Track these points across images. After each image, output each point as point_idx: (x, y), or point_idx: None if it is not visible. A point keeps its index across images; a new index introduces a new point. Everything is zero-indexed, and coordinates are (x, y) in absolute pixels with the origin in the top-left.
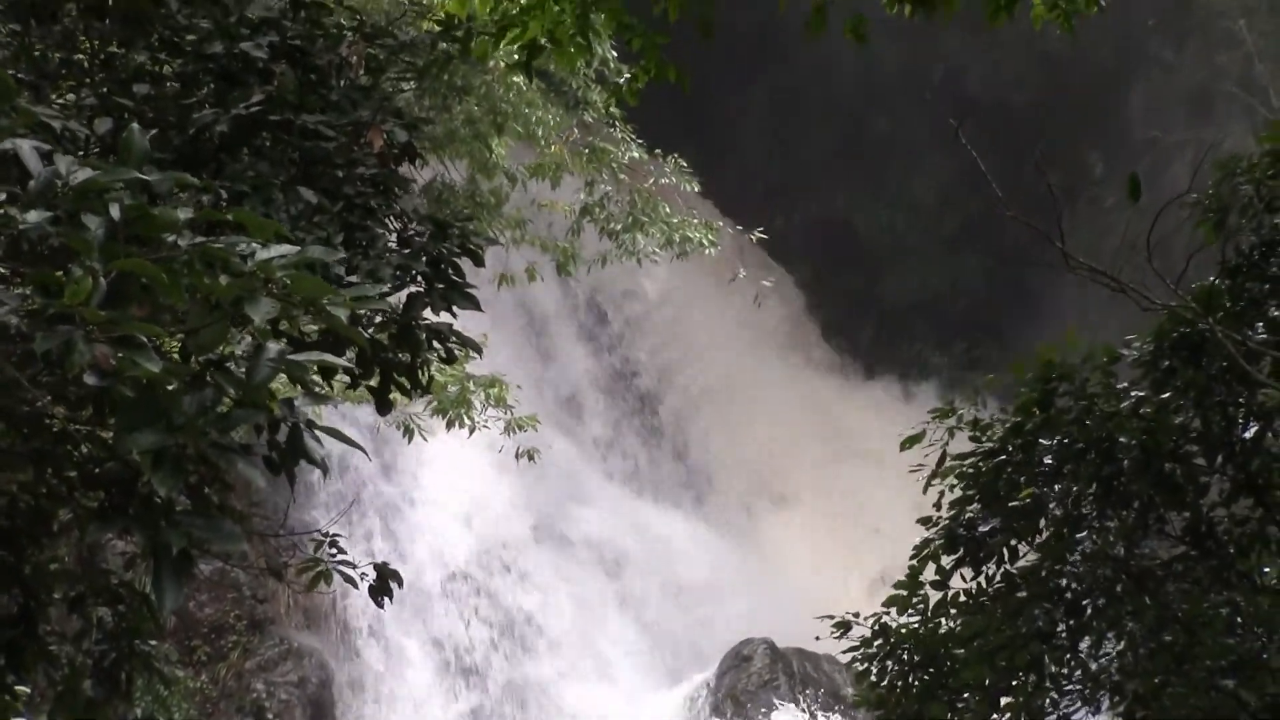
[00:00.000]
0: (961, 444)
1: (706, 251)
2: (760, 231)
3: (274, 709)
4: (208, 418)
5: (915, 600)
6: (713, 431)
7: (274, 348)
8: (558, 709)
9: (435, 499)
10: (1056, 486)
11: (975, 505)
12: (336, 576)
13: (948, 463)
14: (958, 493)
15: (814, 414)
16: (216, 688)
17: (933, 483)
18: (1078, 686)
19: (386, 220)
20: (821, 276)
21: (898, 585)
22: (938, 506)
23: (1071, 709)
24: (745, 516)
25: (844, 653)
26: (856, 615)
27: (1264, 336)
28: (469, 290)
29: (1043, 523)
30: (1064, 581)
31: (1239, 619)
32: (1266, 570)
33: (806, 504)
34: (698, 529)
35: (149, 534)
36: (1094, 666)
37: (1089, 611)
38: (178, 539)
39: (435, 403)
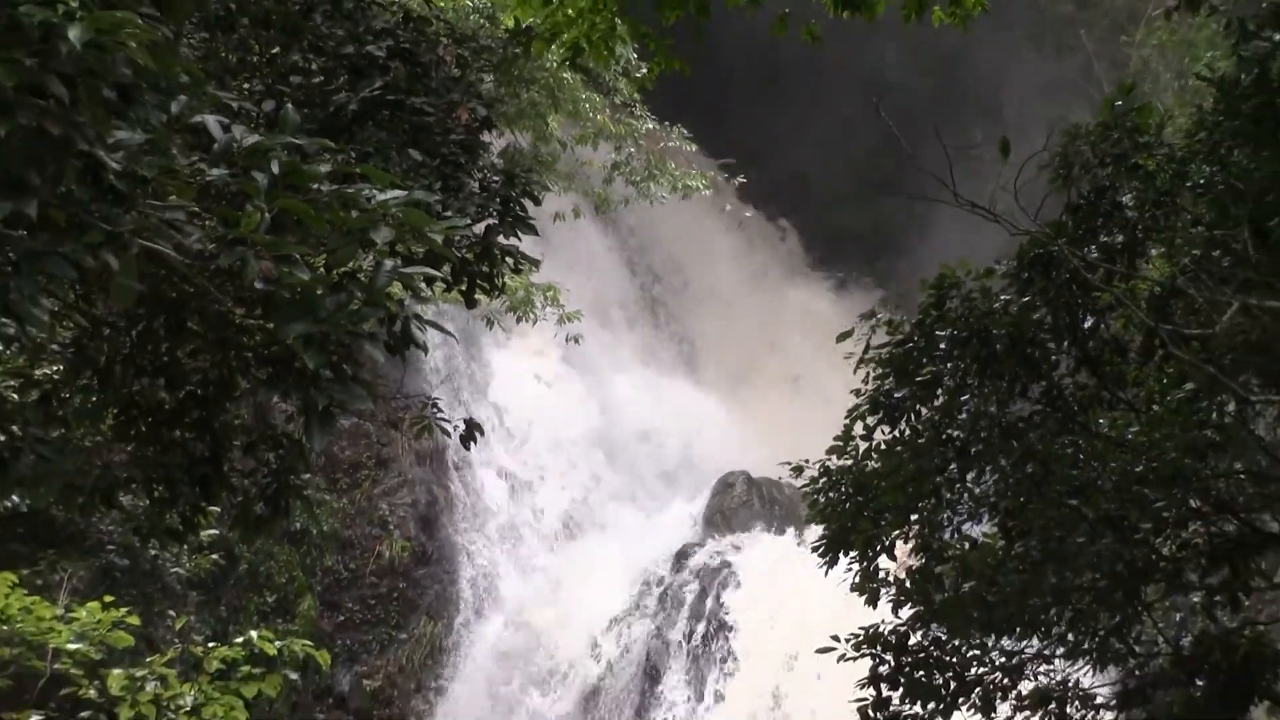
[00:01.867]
0: (880, 337)
1: (703, 193)
2: (741, 179)
3: (394, 522)
4: (344, 313)
5: (848, 449)
6: (705, 322)
7: (390, 263)
8: (595, 521)
9: (506, 370)
10: (949, 365)
11: (890, 380)
12: (437, 428)
13: (870, 352)
14: (878, 371)
15: (778, 307)
16: (353, 507)
17: (861, 365)
18: (965, 506)
19: (471, 173)
20: (785, 212)
21: (836, 438)
22: (865, 381)
23: (961, 521)
24: (728, 383)
25: (800, 486)
26: (807, 461)
27: (1097, 255)
28: (530, 222)
29: (939, 391)
30: (954, 432)
31: (1080, 456)
32: (1101, 421)
33: (772, 371)
34: (695, 391)
35: (303, 396)
36: (976, 492)
37: (972, 453)
38: (323, 399)
39: (508, 302)
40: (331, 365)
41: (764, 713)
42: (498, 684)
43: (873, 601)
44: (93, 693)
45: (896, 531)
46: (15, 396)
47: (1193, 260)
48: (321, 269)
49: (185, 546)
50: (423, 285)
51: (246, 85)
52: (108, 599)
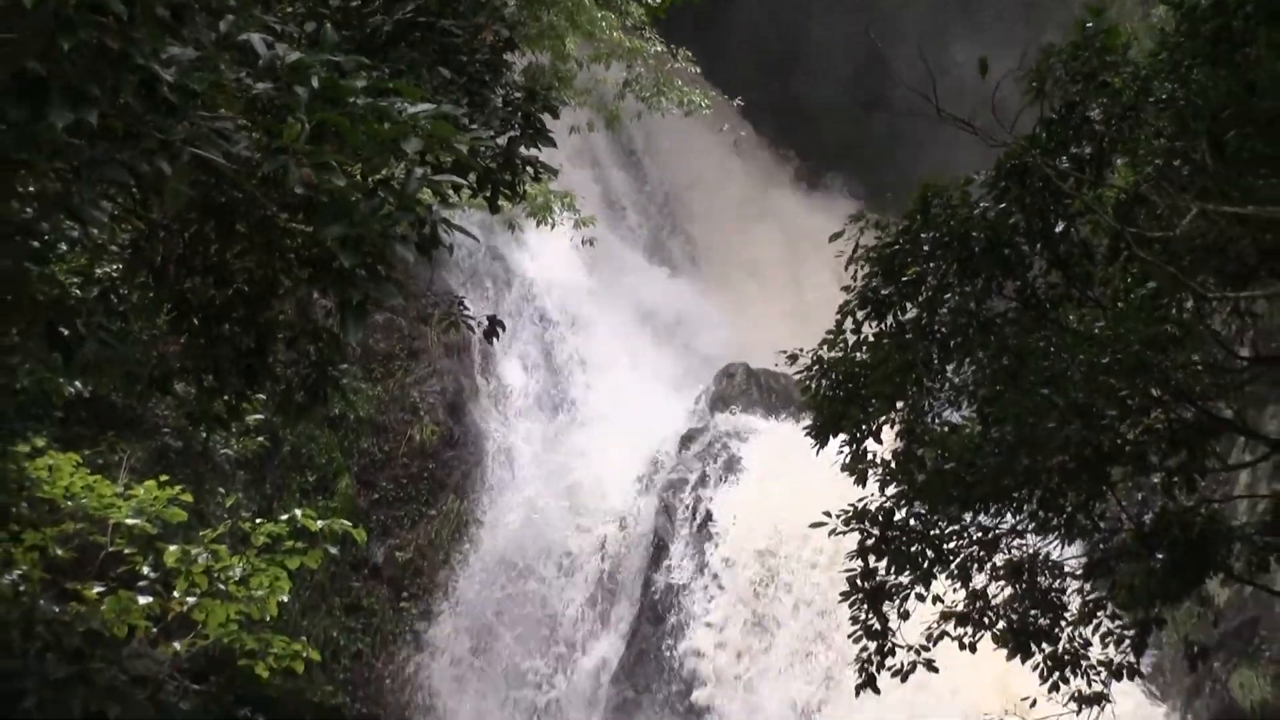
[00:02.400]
0: (868, 239)
1: (704, 112)
2: (739, 100)
3: (424, 409)
4: (377, 217)
5: (839, 341)
6: (708, 230)
7: (420, 171)
8: (608, 407)
9: (526, 271)
10: (931, 265)
11: (878, 278)
12: (463, 324)
13: (859, 252)
14: (867, 270)
15: (774, 217)
16: (387, 395)
17: (851, 264)
18: (946, 394)
19: (495, 89)
20: (779, 131)
21: (828, 332)
22: (854, 279)
23: (941, 408)
24: (730, 284)
25: (794, 373)
26: (801, 350)
27: (1068, 165)
28: (549, 135)
29: (922, 289)
30: (936, 327)
31: (1051, 349)
32: (1070, 317)
33: (770, 273)
34: (699, 291)
35: (340, 292)
36: (956, 381)
37: (952, 346)
38: (358, 295)
39: (528, 208)
40: (365, 264)
41: (761, 583)
42: (517, 557)
43: (861, 480)
44: (148, 566)
45: (883, 417)
46: (78, 292)
47: (1155, 169)
48: (357, 176)
49: (234, 430)
50: (450, 191)
51: (289, 8)
52: (163, 478)
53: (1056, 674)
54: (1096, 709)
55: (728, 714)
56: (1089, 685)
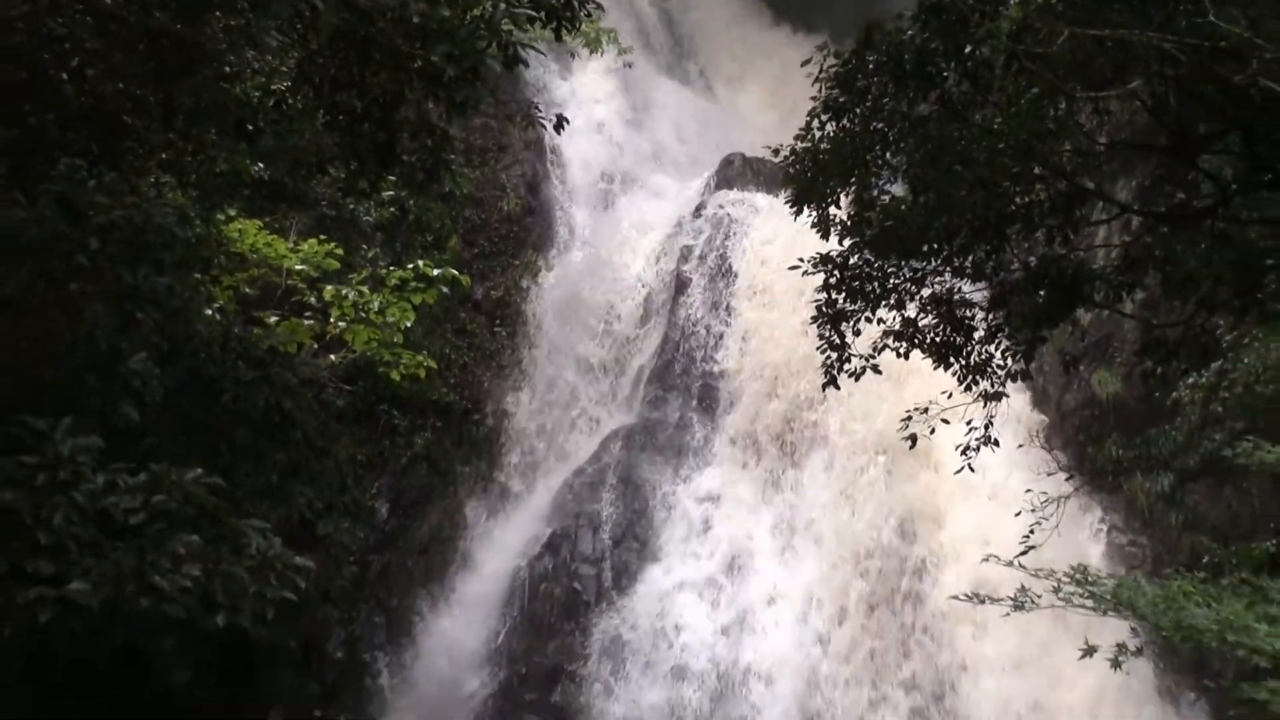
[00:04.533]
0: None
1: None
2: None
3: (510, 187)
4: (473, 39)
5: (809, 136)
6: (716, 59)
7: (503, 6)
8: (642, 185)
9: (583, 85)
10: (875, 79)
11: (836, 90)
12: (537, 122)
13: (824, 71)
14: (830, 83)
15: (764, 50)
16: (483, 177)
17: (817, 81)
18: (886, 172)
19: None
20: None
21: (800, 129)
22: (820, 91)
23: (883, 183)
24: (734, 97)
25: (777, 161)
26: (782, 144)
27: (974, 2)
28: None
29: (868, 97)
30: (879, 124)
31: (962, 139)
32: (977, 116)
33: (762, 91)
34: (711, 102)
35: (446, 96)
36: (893, 163)
37: (890, 138)
38: (459, 97)
39: (583, 40)
40: (464, 75)
41: (757, 302)
42: (581, 285)
43: (825, 235)
44: (312, 299)
45: (840, 190)
46: (258, 102)
47: (1039, 4)
48: (459, 10)
49: (372, 201)
50: (525, 23)
51: None
52: (321, 237)
53: (969, 378)
54: (995, 403)
55: (737, 407)
56: (992, 386)
